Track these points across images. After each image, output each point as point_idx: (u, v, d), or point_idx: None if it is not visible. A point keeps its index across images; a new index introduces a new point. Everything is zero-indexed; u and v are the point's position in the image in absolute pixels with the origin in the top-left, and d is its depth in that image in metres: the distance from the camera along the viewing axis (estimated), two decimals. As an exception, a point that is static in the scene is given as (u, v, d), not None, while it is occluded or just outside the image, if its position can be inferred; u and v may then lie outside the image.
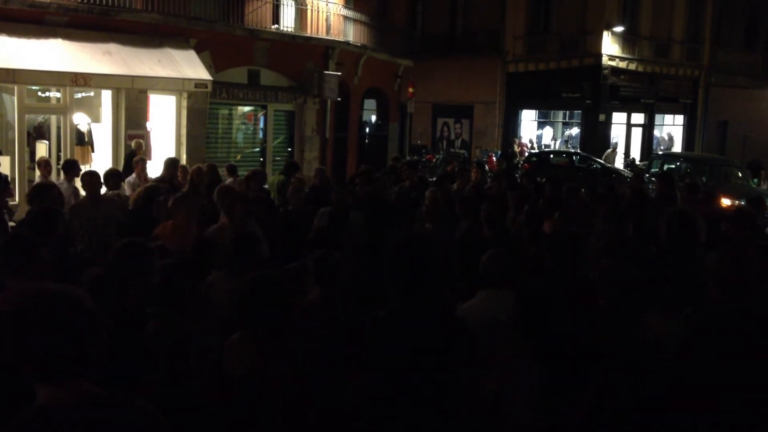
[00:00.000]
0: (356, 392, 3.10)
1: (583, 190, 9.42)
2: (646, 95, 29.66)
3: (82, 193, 9.78)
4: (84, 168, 11.39)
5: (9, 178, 12.03)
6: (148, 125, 15.60)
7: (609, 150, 26.97)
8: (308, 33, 19.14)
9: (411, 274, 3.09)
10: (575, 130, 30.04)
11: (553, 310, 3.81)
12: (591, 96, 27.34)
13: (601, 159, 24.27)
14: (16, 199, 11.84)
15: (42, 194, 6.51)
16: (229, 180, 10.33)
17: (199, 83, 15.19)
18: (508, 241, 6.00)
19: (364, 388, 3.06)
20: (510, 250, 4.74)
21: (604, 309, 3.62)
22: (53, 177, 11.53)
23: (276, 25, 18.48)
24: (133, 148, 12.93)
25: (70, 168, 9.59)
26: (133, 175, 10.17)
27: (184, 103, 16.32)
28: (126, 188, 9.48)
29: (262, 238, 5.99)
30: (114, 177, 8.69)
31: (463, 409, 3.12)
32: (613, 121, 28.79)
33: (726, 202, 13.49)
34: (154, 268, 3.71)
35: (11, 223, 7.86)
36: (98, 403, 1.90)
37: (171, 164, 10.10)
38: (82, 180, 7.71)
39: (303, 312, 4.14)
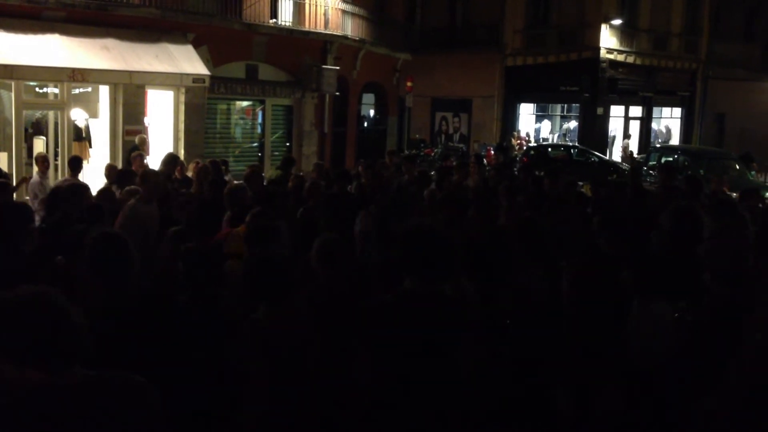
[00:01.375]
0: (363, 375, 3.13)
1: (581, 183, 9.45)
2: (644, 88, 29.65)
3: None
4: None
5: (7, 174, 12.05)
6: (146, 120, 15.58)
7: (625, 139, 27.41)
8: (306, 27, 19.12)
9: (420, 260, 3.14)
10: (573, 124, 30.06)
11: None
12: (589, 89, 27.35)
13: (601, 151, 24.35)
14: (14, 196, 11.79)
15: (84, 193, 6.60)
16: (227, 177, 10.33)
17: (197, 78, 15.17)
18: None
19: (371, 371, 3.09)
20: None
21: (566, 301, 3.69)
22: (51, 173, 11.53)
23: (274, 20, 18.45)
24: (136, 143, 12.93)
25: (77, 165, 9.58)
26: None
27: (182, 98, 16.30)
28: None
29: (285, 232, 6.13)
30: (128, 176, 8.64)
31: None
32: (611, 115, 28.82)
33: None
34: (134, 258, 3.69)
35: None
36: (87, 382, 2.08)
37: (170, 160, 10.08)
38: (142, 179, 7.51)
39: (308, 297, 4.16)
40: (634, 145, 29.31)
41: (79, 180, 9.40)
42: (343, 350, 3.42)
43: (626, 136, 29.60)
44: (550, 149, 24.66)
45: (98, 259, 3.56)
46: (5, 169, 12.57)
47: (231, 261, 4.84)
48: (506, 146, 25.96)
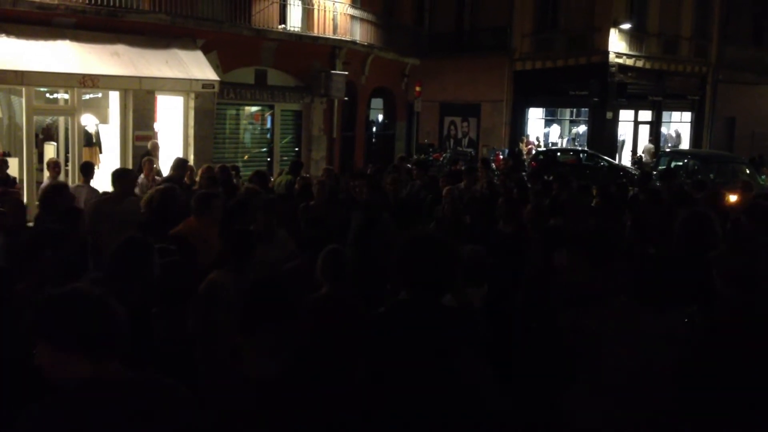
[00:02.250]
0: (362, 387, 3.10)
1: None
2: (654, 92, 29.52)
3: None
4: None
5: (17, 180, 12.14)
6: (156, 126, 15.64)
7: (648, 144, 27.49)
8: (315, 33, 19.16)
9: (418, 271, 3.05)
10: (582, 128, 29.96)
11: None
12: (598, 93, 27.24)
13: (610, 155, 24.27)
14: (24, 199, 11.86)
15: (63, 194, 6.66)
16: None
17: (207, 84, 15.23)
18: (524, 236, 6.08)
19: (367, 383, 3.06)
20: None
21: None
22: (62, 178, 11.59)
23: (283, 25, 18.50)
24: (149, 148, 12.99)
25: (88, 170, 9.68)
26: (142, 175, 10.23)
27: (192, 103, 16.35)
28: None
29: (286, 236, 6.17)
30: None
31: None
32: (620, 119, 28.70)
33: (733, 198, 13.40)
34: (155, 265, 3.75)
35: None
36: (134, 378, 2.22)
37: (180, 165, 10.14)
38: (114, 177, 7.59)
39: (310, 308, 4.15)
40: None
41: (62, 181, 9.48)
42: (342, 359, 3.40)
43: (649, 140, 29.60)
44: (559, 154, 24.59)
45: (125, 261, 3.67)
46: (16, 174, 12.66)
47: (215, 273, 4.77)
48: (518, 152, 25.95)
